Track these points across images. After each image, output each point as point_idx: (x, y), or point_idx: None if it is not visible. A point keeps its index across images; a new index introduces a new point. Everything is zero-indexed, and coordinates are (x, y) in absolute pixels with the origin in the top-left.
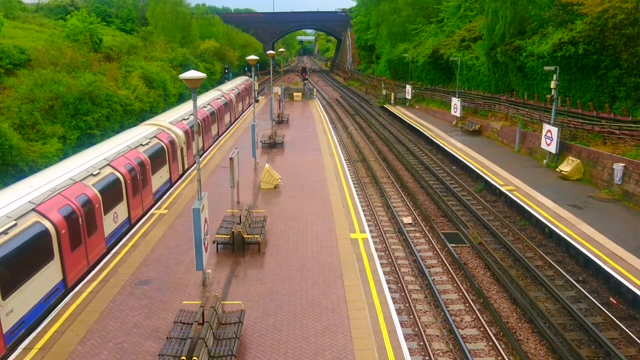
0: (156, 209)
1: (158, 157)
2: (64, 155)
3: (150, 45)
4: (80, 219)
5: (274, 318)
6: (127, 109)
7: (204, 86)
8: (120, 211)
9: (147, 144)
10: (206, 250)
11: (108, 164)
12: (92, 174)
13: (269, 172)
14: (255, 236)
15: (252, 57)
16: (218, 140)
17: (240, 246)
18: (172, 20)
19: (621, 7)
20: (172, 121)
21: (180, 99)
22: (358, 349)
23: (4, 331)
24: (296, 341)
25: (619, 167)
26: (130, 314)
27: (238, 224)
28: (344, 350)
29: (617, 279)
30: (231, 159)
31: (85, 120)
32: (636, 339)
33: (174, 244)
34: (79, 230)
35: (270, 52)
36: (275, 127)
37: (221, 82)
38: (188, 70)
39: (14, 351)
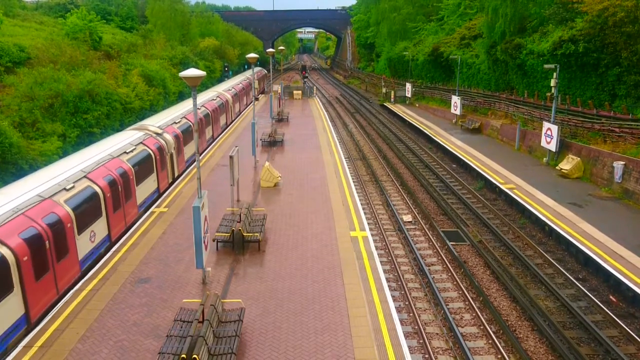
0: (156, 206)
1: (203, 123)
2: (64, 153)
3: (150, 43)
4: (160, 155)
5: (273, 316)
6: (127, 107)
7: (203, 84)
8: (187, 153)
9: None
10: (206, 249)
11: (173, 123)
12: (175, 122)
13: (269, 170)
14: (255, 234)
15: (252, 55)
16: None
17: (240, 244)
18: (171, 18)
19: (621, 5)
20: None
21: (180, 97)
22: (358, 347)
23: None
24: (296, 339)
25: (619, 165)
26: (130, 312)
27: (238, 222)
28: (343, 348)
29: (617, 277)
30: (231, 157)
31: (85, 118)
32: (636, 337)
33: (173, 242)
34: (159, 162)
35: (270, 50)
36: (275, 125)
37: (221, 79)
38: (188, 68)
39: (15, 349)
